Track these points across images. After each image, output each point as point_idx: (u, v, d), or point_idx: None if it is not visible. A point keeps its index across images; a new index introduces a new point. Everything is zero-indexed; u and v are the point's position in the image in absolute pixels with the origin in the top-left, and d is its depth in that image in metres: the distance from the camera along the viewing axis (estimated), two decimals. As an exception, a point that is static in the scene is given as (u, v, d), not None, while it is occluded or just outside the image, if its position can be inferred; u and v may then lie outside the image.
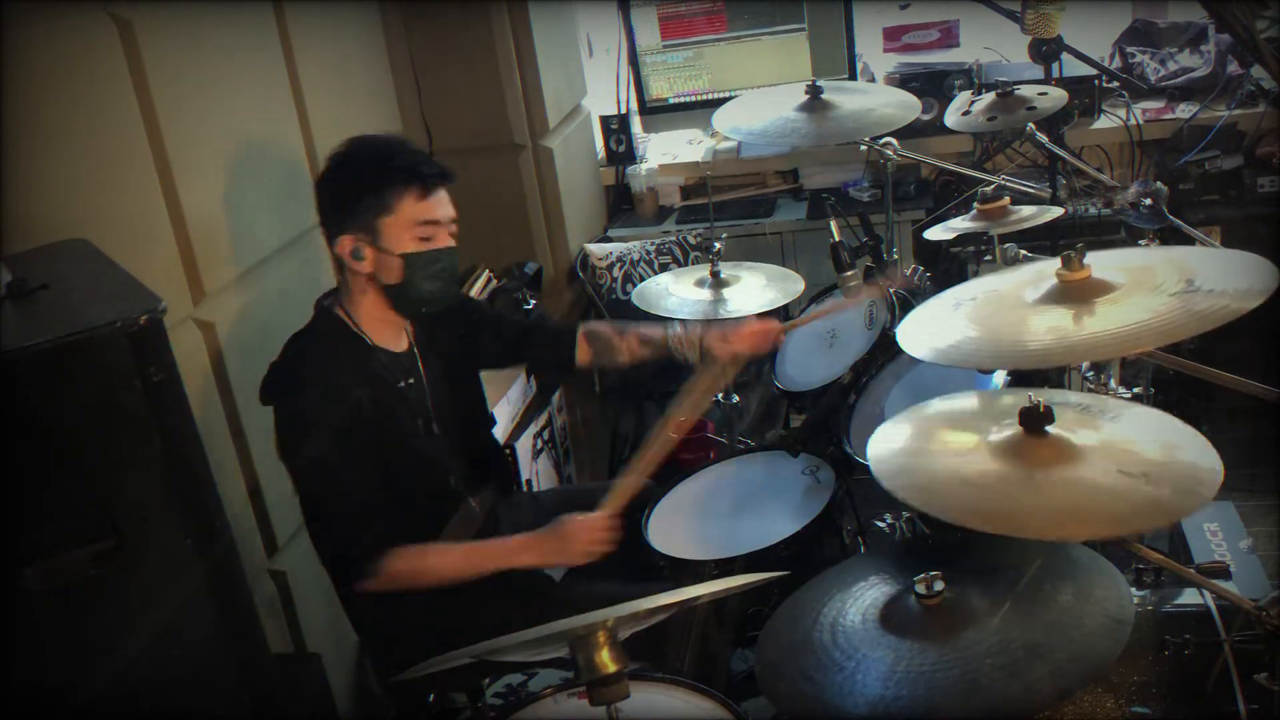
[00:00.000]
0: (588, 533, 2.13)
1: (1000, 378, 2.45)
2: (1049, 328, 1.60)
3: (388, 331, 2.22)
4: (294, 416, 2.08)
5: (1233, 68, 3.75)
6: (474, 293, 3.16)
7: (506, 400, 3.32)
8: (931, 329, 1.73)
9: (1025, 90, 2.87)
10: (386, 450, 2.13)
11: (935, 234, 2.74)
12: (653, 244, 3.83)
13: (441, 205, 2.16)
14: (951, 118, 2.98)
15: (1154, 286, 1.59)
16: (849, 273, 2.67)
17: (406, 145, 2.20)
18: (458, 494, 2.27)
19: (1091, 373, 2.42)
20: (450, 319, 2.34)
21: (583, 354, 2.50)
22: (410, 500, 2.17)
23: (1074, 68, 3.64)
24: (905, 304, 2.68)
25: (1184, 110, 3.73)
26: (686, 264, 3.73)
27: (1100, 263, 1.66)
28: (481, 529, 2.29)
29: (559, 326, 2.49)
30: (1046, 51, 3.29)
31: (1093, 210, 3.54)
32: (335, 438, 2.05)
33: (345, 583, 2.16)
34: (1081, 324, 1.58)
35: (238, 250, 2.47)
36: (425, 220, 2.13)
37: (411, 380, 2.23)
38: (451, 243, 2.18)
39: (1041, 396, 1.60)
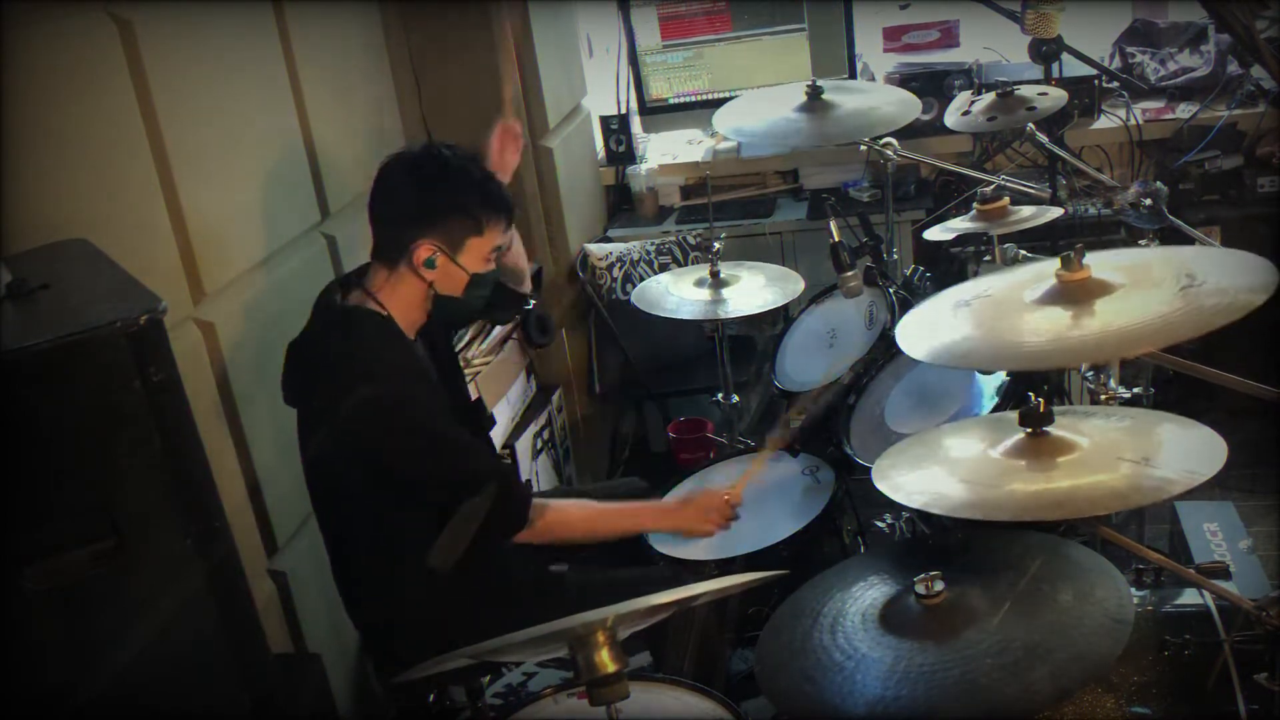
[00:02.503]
0: (720, 508, 2.33)
1: (999, 379, 2.46)
2: (1049, 328, 1.60)
3: (411, 328, 2.23)
4: (400, 404, 2.07)
5: (1233, 68, 3.75)
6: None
7: (506, 400, 3.32)
8: (931, 329, 1.73)
9: (1025, 90, 2.87)
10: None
11: (935, 234, 2.74)
12: (652, 244, 3.83)
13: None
14: (951, 118, 2.97)
15: (1154, 284, 1.59)
16: (849, 273, 2.67)
17: (489, 170, 2.24)
18: None
19: (1091, 373, 2.42)
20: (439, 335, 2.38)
21: None
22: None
23: (1074, 68, 3.64)
24: (905, 304, 2.68)
25: (1184, 110, 3.73)
26: (686, 264, 3.73)
27: (1100, 262, 1.66)
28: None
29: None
30: (1046, 51, 3.28)
31: (1093, 210, 3.54)
32: (441, 406, 2.14)
33: (506, 534, 2.17)
34: (1081, 324, 1.58)
35: (238, 250, 2.47)
36: (499, 247, 2.21)
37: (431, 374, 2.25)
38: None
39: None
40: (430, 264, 2.13)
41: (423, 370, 2.19)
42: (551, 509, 2.23)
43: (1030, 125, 2.91)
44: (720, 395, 3.17)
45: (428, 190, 2.13)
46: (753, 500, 2.55)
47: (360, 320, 2.16)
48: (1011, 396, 2.38)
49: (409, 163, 2.16)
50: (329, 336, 2.17)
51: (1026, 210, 2.58)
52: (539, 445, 3.44)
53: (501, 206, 2.18)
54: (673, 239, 3.84)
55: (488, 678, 2.49)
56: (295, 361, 2.18)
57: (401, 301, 2.18)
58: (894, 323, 2.64)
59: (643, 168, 4.13)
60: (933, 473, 1.73)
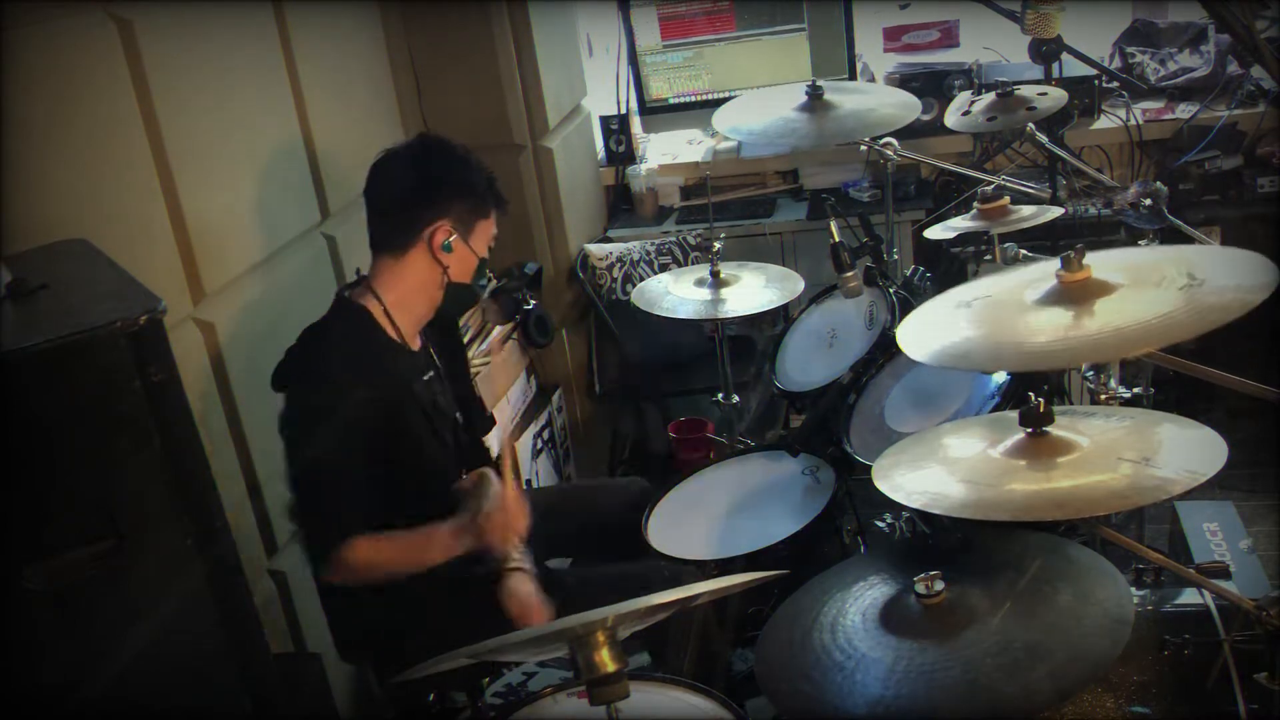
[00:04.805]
0: (503, 512, 2.08)
1: (999, 378, 2.45)
2: (1049, 328, 1.60)
3: (414, 330, 2.24)
4: (306, 410, 2.07)
5: (1233, 68, 3.75)
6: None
7: (507, 400, 3.32)
8: (932, 330, 1.73)
9: (1025, 90, 2.87)
10: (397, 449, 2.12)
11: (935, 234, 2.74)
12: (653, 244, 3.82)
13: None
14: (951, 118, 2.97)
15: (1154, 284, 1.59)
16: (849, 273, 2.67)
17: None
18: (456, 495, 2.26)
19: (1091, 373, 2.42)
20: (448, 326, 2.39)
21: None
22: (413, 498, 2.16)
23: (1074, 68, 3.64)
24: (905, 304, 2.68)
25: (1184, 110, 3.73)
26: (686, 264, 3.73)
27: (1100, 262, 1.66)
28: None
29: None
30: (1046, 51, 3.29)
31: (1093, 210, 3.54)
32: (344, 437, 2.04)
33: (313, 575, 2.13)
34: (1081, 324, 1.58)
35: (238, 250, 2.47)
36: (495, 236, 2.27)
37: (430, 376, 2.24)
38: None
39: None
40: (447, 247, 2.15)
41: (382, 378, 2.11)
42: (356, 549, 2.04)
43: (1030, 125, 2.91)
44: (720, 395, 3.17)
45: (439, 171, 2.17)
46: (753, 500, 2.56)
47: (339, 316, 2.17)
48: (1011, 396, 2.38)
49: (412, 150, 2.20)
50: (316, 327, 2.19)
51: (1026, 210, 2.58)
52: (539, 445, 3.44)
53: (499, 196, 2.25)
54: (673, 239, 3.84)
55: (487, 679, 2.49)
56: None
57: (407, 290, 2.18)
58: (894, 323, 2.64)
59: (643, 168, 4.12)
60: (933, 473, 1.73)
